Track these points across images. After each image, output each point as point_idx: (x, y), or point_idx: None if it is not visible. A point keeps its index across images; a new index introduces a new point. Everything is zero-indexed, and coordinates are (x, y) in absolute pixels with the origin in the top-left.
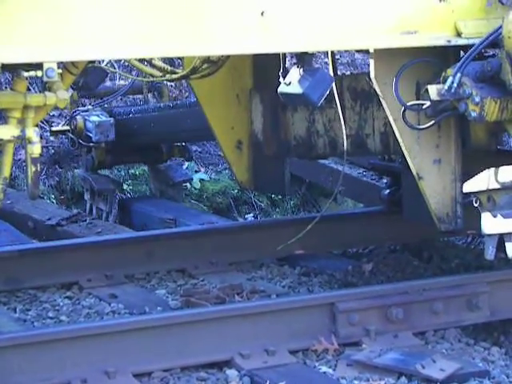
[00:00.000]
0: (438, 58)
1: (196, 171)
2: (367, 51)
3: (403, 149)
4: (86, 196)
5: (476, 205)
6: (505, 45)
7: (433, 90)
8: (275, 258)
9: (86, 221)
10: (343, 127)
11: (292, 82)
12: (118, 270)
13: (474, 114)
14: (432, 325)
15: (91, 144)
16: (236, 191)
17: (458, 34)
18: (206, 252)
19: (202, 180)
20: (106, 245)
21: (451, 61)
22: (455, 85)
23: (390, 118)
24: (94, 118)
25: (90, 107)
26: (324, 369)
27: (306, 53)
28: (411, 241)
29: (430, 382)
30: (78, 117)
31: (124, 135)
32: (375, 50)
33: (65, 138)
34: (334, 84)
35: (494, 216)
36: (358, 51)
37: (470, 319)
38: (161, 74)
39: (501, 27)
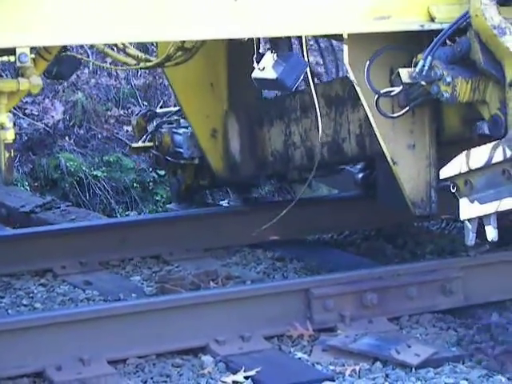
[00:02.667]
0: (412, 44)
1: None
2: (341, 37)
3: (378, 135)
4: None
5: (453, 191)
6: (473, 24)
7: (404, 73)
8: (250, 244)
9: (59, 208)
10: (320, 131)
11: (266, 68)
12: (92, 256)
13: (446, 95)
14: (406, 310)
15: (181, 161)
16: None
17: (432, 19)
18: (181, 238)
19: None
20: (80, 232)
21: (425, 46)
22: (426, 67)
23: (365, 105)
24: (184, 130)
25: (175, 118)
26: (299, 354)
27: (279, 38)
28: (386, 226)
29: (405, 367)
30: (162, 130)
31: None
32: (349, 36)
33: (148, 157)
34: (307, 70)
35: (472, 200)
36: (331, 36)
37: (444, 304)
38: (135, 62)
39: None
